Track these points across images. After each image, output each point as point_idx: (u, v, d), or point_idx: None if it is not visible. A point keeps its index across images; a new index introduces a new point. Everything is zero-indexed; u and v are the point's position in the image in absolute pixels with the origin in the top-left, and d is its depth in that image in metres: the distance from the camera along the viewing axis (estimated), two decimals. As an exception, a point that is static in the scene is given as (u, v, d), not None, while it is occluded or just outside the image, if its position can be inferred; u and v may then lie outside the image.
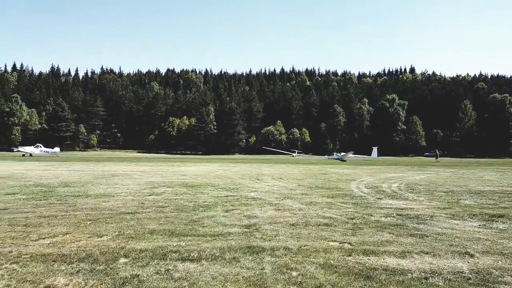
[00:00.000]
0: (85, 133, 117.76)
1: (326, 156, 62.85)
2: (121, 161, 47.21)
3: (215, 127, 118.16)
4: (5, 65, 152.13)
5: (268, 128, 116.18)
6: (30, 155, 57.36)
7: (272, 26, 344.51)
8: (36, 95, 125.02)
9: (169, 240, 6.60)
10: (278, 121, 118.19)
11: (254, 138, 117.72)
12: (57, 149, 63.22)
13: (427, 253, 6.06)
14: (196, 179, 19.19)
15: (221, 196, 12.62)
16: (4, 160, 41.38)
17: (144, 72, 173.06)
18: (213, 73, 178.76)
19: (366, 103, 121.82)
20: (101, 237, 6.77)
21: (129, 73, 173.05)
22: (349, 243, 6.57)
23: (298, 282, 4.71)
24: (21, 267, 4.99)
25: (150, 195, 12.72)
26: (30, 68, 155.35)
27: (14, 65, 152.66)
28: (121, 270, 4.96)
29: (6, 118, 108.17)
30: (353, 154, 62.52)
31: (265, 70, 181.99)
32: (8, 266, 5.03)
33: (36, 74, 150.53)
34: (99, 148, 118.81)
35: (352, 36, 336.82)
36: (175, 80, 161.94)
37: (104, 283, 4.51)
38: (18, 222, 7.96)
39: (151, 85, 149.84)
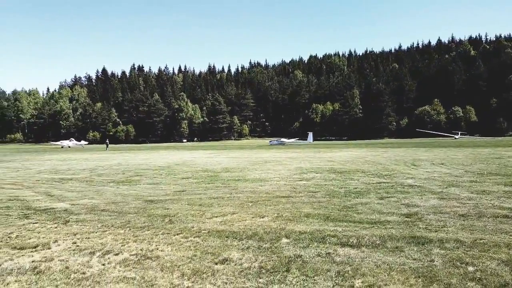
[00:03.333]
0: (238, 124, 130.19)
1: (269, 142, 69.37)
2: (271, 148, 50.32)
3: (360, 110, 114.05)
4: (173, 68, 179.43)
5: (423, 108, 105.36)
6: (69, 146, 73.83)
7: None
8: (197, 92, 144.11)
9: (325, 224, 6.67)
10: (435, 99, 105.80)
11: (406, 120, 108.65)
12: (83, 142, 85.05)
13: None
14: (344, 165, 18.90)
15: (372, 183, 12.08)
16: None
17: (288, 62, 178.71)
18: (357, 54, 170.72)
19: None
20: (262, 217, 7.32)
21: (274, 64, 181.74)
22: (543, 240, 5.41)
23: (477, 278, 4.13)
24: (202, 241, 5.80)
25: (300, 180, 13.12)
26: (192, 69, 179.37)
27: (180, 68, 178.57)
28: (285, 250, 5.25)
29: (176, 114, 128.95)
30: (292, 139, 71.29)
31: (418, 43, 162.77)
32: (193, 239, 5.92)
33: (197, 74, 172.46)
34: (250, 137, 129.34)
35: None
36: (317, 66, 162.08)
37: (272, 260, 4.84)
38: (194, 202, 9.28)
39: (294, 73, 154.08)
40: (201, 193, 10.62)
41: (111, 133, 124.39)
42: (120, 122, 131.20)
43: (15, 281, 4.35)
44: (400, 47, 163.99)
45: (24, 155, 38.70)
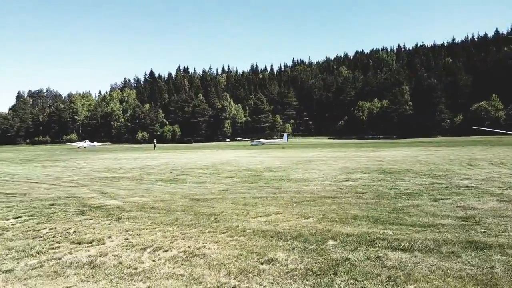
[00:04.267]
0: (281, 123, 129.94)
1: (250, 142, 75.24)
2: (314, 147, 49.62)
3: (411, 107, 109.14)
4: (217, 69, 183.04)
5: (480, 104, 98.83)
6: (84, 147, 77.08)
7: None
8: (240, 92, 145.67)
9: (374, 227, 6.43)
10: (493, 94, 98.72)
11: (461, 117, 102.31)
12: (95, 143, 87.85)
13: None
14: (394, 165, 18.17)
15: (425, 184, 11.49)
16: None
17: (332, 58, 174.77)
18: (407, 48, 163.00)
19: None
20: (307, 218, 7.21)
21: (318, 61, 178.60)
22: None
23: (546, 291, 3.77)
24: (247, 240, 5.83)
25: (346, 181, 12.77)
26: (235, 69, 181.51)
27: (223, 68, 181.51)
28: (331, 252, 5.12)
29: (219, 114, 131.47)
30: (269, 140, 78.76)
31: (473, 36, 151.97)
32: (238, 238, 5.96)
33: (240, 74, 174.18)
34: (293, 136, 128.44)
35: None
36: (364, 62, 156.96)
37: (318, 262, 4.75)
38: (238, 201, 9.35)
39: (339, 70, 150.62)
40: (245, 192, 10.69)
41: (158, 133, 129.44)
42: (167, 123, 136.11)
43: (74, 274, 4.62)
44: (453, 40, 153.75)
45: (80, 155, 41.32)
